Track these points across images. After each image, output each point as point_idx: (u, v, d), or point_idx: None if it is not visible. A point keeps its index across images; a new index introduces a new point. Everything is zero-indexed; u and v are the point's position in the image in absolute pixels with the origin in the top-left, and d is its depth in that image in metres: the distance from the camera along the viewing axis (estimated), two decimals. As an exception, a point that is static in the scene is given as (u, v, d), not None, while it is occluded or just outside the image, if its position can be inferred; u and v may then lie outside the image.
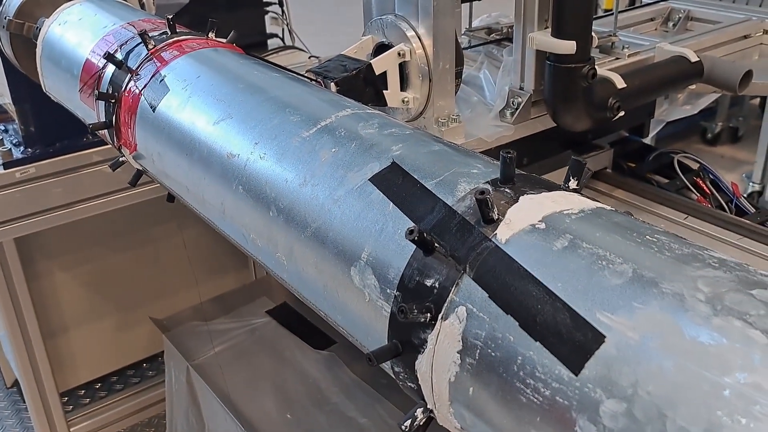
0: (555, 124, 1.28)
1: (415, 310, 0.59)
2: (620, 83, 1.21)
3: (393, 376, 0.67)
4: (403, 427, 0.63)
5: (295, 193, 0.76)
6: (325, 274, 0.72)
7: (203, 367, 1.78)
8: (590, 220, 0.59)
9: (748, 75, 1.32)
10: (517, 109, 1.26)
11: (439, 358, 0.60)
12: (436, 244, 0.62)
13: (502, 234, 0.59)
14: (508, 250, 0.58)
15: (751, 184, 3.00)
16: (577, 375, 0.50)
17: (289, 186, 0.77)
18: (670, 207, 1.30)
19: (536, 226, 0.59)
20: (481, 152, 0.80)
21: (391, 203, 0.68)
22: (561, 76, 1.18)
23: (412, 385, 0.64)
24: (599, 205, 0.62)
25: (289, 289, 0.81)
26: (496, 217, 0.60)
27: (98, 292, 2.21)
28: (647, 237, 0.56)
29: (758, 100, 3.25)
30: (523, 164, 1.30)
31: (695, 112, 1.49)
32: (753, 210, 1.34)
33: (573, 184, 0.65)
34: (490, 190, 0.61)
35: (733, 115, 3.22)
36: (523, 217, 0.60)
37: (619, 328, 0.50)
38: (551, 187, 0.64)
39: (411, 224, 0.65)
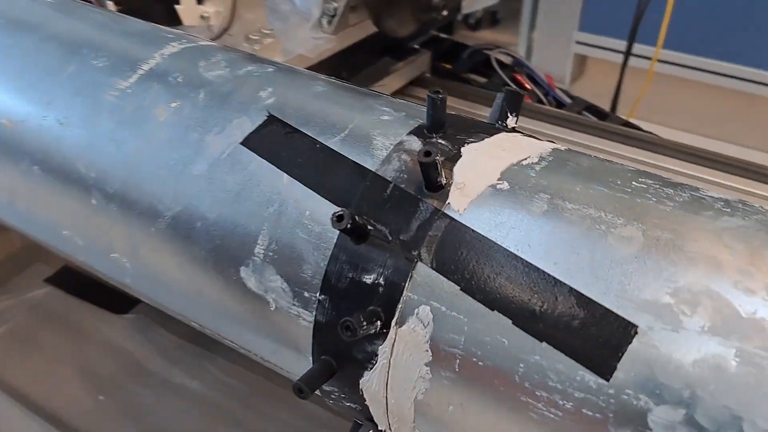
0: (376, 30, 1.13)
1: (364, 321, 0.44)
2: (441, -21, 1.09)
3: (319, 395, 0.52)
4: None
5: (128, 169, 0.56)
6: (199, 279, 0.54)
7: (-22, 361, 1.47)
8: (558, 169, 0.47)
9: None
10: (334, 16, 1.09)
11: (399, 374, 0.46)
12: (368, 227, 0.46)
13: (457, 203, 0.45)
14: (471, 223, 0.45)
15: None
16: (608, 380, 0.39)
17: (117, 160, 0.56)
18: (498, 108, 1.23)
19: (497, 186, 0.46)
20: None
21: (285, 174, 0.50)
22: (382, -25, 1.04)
23: (353, 405, 0.50)
24: (553, 145, 0.50)
25: (140, 296, 0.62)
26: (444, 181, 0.46)
27: None
28: (634, 183, 0.46)
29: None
30: (343, 78, 1.15)
31: (497, 0, 1.42)
32: (569, 100, 1.32)
33: (511, 121, 0.52)
34: (437, 147, 0.47)
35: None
36: (476, 177, 0.47)
37: (652, 312, 0.39)
38: (486, 128, 0.51)
39: (323, 203, 0.48)
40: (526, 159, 0.48)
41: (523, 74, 1.33)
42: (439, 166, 0.45)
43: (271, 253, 0.49)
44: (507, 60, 1.37)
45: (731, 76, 1.94)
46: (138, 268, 0.58)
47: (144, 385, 1.44)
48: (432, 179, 0.46)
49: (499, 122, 0.52)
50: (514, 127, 0.52)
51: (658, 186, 0.45)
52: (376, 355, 0.46)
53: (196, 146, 0.54)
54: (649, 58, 1.52)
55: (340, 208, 0.45)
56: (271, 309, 0.50)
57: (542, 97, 1.32)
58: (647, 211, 0.43)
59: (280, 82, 0.57)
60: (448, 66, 1.36)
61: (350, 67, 1.16)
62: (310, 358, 0.50)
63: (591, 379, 0.40)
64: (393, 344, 0.45)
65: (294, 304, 0.49)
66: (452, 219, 0.45)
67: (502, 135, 0.50)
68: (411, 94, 1.29)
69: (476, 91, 1.32)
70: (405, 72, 1.28)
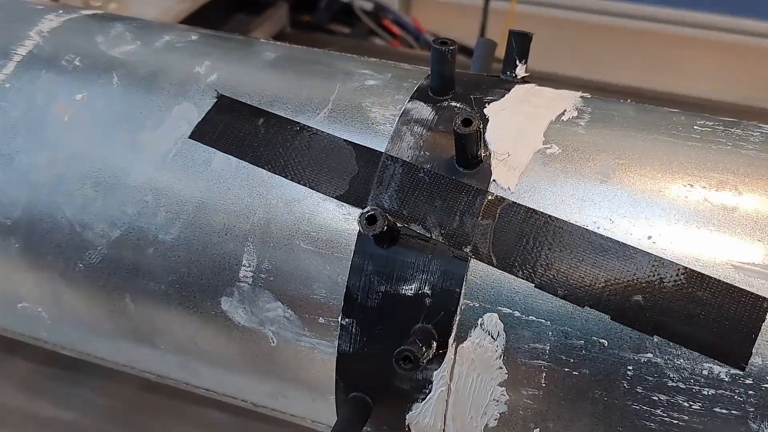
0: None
1: (422, 346, 0.34)
2: None
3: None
4: None
5: (31, 192, 0.41)
6: (158, 320, 0.41)
7: None
8: (605, 122, 0.39)
9: None
10: (186, -30, 0.93)
11: (463, 401, 0.37)
12: (397, 224, 0.36)
13: (504, 179, 0.36)
14: (528, 202, 0.36)
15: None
16: (743, 369, 0.33)
17: (11, 181, 0.41)
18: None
19: (547, 152, 0.37)
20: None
21: (264, 171, 0.39)
22: None
23: (395, 445, 0.40)
24: (580, 94, 0.42)
25: (63, 351, 0.47)
26: (482, 154, 0.37)
27: None
28: (696, 128, 0.39)
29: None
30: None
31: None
32: (439, 43, 1.25)
33: (521, 69, 0.43)
34: (474, 116, 0.37)
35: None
36: (518, 144, 0.38)
37: (779, 280, 0.33)
38: (497, 82, 0.42)
39: (326, 200, 0.37)
40: (563, 114, 0.39)
41: (389, 20, 1.24)
42: (480, 136, 0.36)
43: (263, 275, 0.38)
44: (367, 6, 1.27)
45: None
46: (60, 318, 0.43)
47: (8, 427, 1.23)
48: (470, 153, 0.36)
49: (508, 73, 0.43)
50: (524, 77, 0.43)
51: (722, 128, 0.39)
52: (430, 383, 0.37)
53: (126, 148, 0.40)
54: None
55: (369, 208, 0.34)
56: (272, 344, 0.39)
57: (412, 42, 1.24)
58: (732, 160, 0.37)
59: (215, 53, 0.44)
60: (308, 18, 1.24)
61: (206, 27, 1.01)
62: (331, 398, 0.39)
63: (721, 371, 0.33)
64: (452, 366, 0.36)
65: (304, 335, 0.38)
66: (505, 200, 0.36)
67: (521, 88, 0.41)
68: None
69: (343, 42, 1.21)
70: (264, 29, 1.14)
